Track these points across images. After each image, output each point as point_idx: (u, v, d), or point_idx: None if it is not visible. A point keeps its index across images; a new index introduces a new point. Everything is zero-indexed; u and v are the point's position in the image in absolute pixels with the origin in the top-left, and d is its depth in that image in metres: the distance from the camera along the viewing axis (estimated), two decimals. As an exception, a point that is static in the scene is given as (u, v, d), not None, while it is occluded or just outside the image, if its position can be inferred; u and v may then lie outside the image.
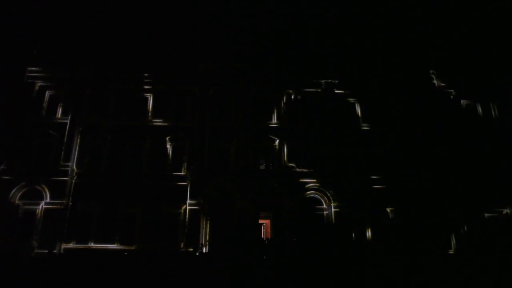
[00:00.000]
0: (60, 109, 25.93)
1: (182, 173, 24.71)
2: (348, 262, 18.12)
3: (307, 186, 24.18)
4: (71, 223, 23.26)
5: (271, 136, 25.59)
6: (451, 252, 23.20)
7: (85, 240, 23.04)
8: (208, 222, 23.51)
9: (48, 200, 23.36)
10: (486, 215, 24.10)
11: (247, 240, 22.60)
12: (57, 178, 23.80)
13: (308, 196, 24.23)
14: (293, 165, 24.81)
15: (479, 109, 26.96)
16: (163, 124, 25.94)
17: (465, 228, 23.70)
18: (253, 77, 26.72)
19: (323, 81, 26.90)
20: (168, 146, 25.46)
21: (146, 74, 26.83)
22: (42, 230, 22.83)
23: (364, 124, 26.27)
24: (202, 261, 19.83)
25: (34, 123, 25.22)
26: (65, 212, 23.31)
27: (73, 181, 24.21)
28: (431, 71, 27.24)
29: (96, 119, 25.92)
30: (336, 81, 26.94)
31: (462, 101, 27.06)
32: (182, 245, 22.73)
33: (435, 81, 27.13)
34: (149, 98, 26.68)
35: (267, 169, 25.37)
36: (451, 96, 26.98)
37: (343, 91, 26.97)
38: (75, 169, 24.42)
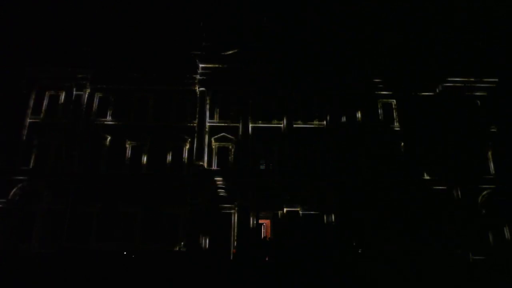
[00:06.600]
0: (61, 109, 25.92)
1: (182, 173, 24.70)
2: (348, 262, 18.13)
3: (306, 186, 24.14)
4: (71, 223, 23.25)
5: (271, 136, 25.55)
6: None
7: (85, 240, 23.04)
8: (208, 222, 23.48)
9: (48, 200, 23.36)
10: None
11: (247, 240, 22.59)
12: (57, 178, 23.84)
13: (308, 196, 24.18)
14: (293, 165, 24.77)
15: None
16: (163, 124, 25.95)
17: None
18: (253, 77, 26.67)
19: (322, 80, 26.91)
20: (167, 146, 25.44)
21: (146, 74, 26.85)
22: (42, 230, 22.84)
23: (366, 124, 26.20)
24: (202, 261, 19.85)
25: (34, 123, 25.24)
26: (65, 212, 23.31)
27: (73, 181, 24.17)
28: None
29: (96, 119, 25.95)
30: (334, 82, 26.94)
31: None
32: (182, 245, 22.72)
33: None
34: (149, 98, 26.69)
35: (267, 169, 25.35)
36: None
37: (343, 91, 26.95)
38: (75, 169, 24.40)
